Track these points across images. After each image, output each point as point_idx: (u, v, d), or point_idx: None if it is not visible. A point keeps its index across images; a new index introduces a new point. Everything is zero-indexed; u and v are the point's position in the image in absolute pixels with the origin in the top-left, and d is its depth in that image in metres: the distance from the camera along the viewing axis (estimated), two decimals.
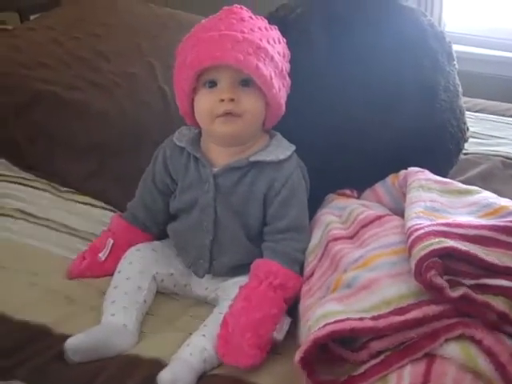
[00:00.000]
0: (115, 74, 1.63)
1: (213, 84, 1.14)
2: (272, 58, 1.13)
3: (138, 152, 1.45)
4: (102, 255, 1.24)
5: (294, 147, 1.20)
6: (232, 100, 1.12)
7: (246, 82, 1.13)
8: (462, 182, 1.27)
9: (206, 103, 1.15)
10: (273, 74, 1.13)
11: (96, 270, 1.24)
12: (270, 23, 1.20)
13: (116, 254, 1.24)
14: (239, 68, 1.11)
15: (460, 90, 1.43)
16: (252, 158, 1.16)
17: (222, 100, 1.12)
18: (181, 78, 1.17)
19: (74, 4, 2.09)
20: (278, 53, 1.16)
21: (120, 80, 1.62)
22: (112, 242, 1.25)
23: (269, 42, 1.14)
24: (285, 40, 1.20)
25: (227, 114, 1.12)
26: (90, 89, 1.58)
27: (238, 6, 1.18)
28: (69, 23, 1.86)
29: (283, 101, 1.19)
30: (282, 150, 1.19)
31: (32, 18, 2.61)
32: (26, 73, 1.62)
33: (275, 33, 1.19)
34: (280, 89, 1.16)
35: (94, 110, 1.54)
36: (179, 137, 1.23)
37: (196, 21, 1.21)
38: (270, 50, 1.13)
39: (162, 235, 1.29)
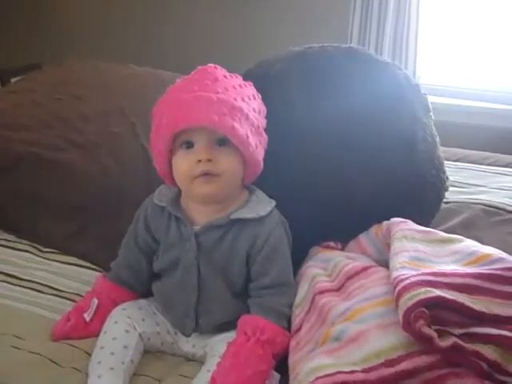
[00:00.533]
0: (97, 134, 1.64)
1: (189, 145, 1.14)
2: (247, 117, 1.13)
3: (121, 212, 1.44)
4: (87, 316, 1.22)
5: (274, 202, 1.21)
6: (209, 160, 1.12)
7: (223, 141, 1.13)
8: (444, 230, 1.28)
9: (183, 165, 1.15)
10: (249, 133, 1.13)
11: (81, 331, 1.22)
12: (248, 79, 1.22)
13: (101, 314, 1.22)
14: (214, 129, 1.11)
15: (438, 140, 1.45)
16: (233, 216, 1.16)
17: (199, 161, 1.12)
18: (157, 140, 1.17)
19: (55, 67, 2.11)
20: (254, 110, 1.16)
21: (102, 140, 1.63)
22: (97, 302, 1.24)
23: (244, 100, 1.15)
24: (260, 96, 1.21)
25: (205, 174, 1.12)
26: (72, 149, 1.59)
27: (212, 66, 1.19)
28: (50, 85, 1.87)
29: (261, 157, 1.19)
30: (262, 205, 1.19)
31: (13, 80, 2.63)
32: (8, 135, 1.62)
33: (250, 89, 1.19)
34: (257, 146, 1.16)
35: (76, 170, 1.54)
36: (159, 196, 1.23)
37: (171, 79, 1.22)
38: (245, 109, 1.13)
39: (147, 293, 1.27)
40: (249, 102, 1.16)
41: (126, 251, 1.28)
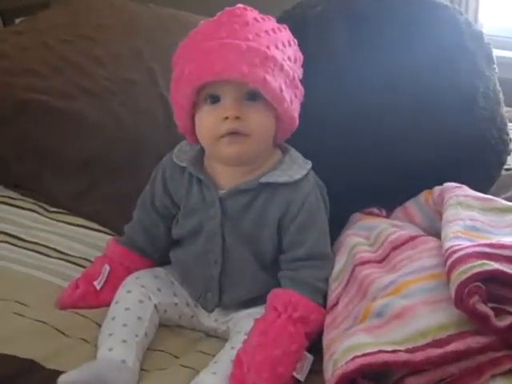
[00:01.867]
0: (111, 80, 1.66)
1: (215, 99, 1.13)
2: (282, 67, 1.12)
3: (138, 167, 1.46)
4: (98, 284, 1.24)
5: (310, 164, 1.20)
6: (237, 118, 1.11)
7: (253, 96, 1.12)
8: (505, 200, 1.27)
9: (208, 122, 1.14)
10: (283, 86, 1.12)
11: (91, 299, 1.24)
12: (285, 22, 1.21)
13: (113, 283, 1.24)
14: (244, 82, 1.10)
15: (501, 97, 1.43)
16: (263, 180, 1.16)
17: (226, 118, 1.11)
18: (178, 93, 1.16)
19: (64, 5, 2.11)
20: (289, 58, 1.15)
21: (117, 87, 1.64)
22: (108, 268, 1.26)
23: (277, 48, 1.13)
24: (296, 41, 1.19)
25: (233, 133, 1.12)
26: (84, 97, 1.61)
27: (242, 7, 1.17)
28: (60, 26, 1.89)
29: (296, 113, 1.18)
30: (296, 168, 1.18)
31: (17, 21, 2.64)
32: (13, 80, 1.64)
33: (285, 34, 1.18)
34: (292, 100, 1.15)
35: (88, 120, 1.56)
36: (179, 155, 1.23)
37: (200, 21, 1.20)
38: (280, 58, 1.12)
39: (164, 261, 1.28)
40: (284, 50, 1.15)
41: (142, 214, 1.29)
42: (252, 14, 1.16)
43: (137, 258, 1.28)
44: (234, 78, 1.09)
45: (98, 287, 1.24)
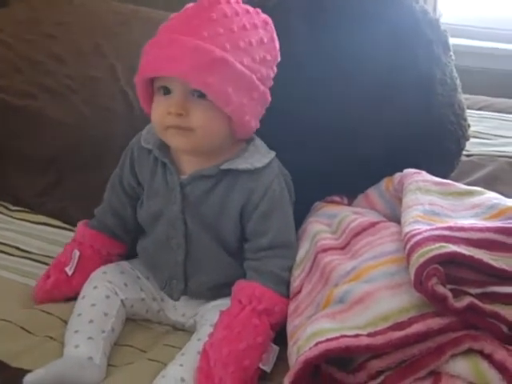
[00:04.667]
0: (72, 77, 1.65)
1: (167, 91, 1.12)
2: (234, 69, 1.08)
3: (102, 164, 1.46)
4: (69, 269, 1.24)
5: (273, 153, 1.20)
6: (180, 114, 1.10)
7: (201, 93, 1.10)
8: (465, 185, 1.28)
9: (157, 112, 1.14)
10: (230, 88, 1.08)
11: (64, 286, 1.24)
12: None
13: (85, 267, 1.24)
14: (186, 81, 1.09)
15: (458, 83, 1.45)
16: (224, 166, 1.15)
17: (170, 113, 1.11)
18: (136, 82, 1.16)
19: (23, 3, 2.10)
20: (253, 59, 1.11)
21: (78, 84, 1.64)
22: (78, 253, 1.26)
23: (238, 47, 1.09)
24: (276, 39, 1.17)
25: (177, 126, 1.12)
26: (44, 95, 1.60)
27: None
28: (19, 24, 1.88)
29: (250, 116, 1.14)
30: (258, 156, 1.18)
31: None
32: None
33: (261, 32, 1.14)
34: (244, 104, 1.11)
35: (49, 118, 1.56)
36: (147, 137, 1.22)
37: (161, 18, 1.19)
38: (233, 59, 1.08)
39: (133, 245, 1.28)
40: (247, 49, 1.11)
41: (111, 194, 1.29)
42: (225, 6, 1.11)
43: (107, 241, 1.28)
44: (174, 75, 1.09)
45: (70, 273, 1.24)
